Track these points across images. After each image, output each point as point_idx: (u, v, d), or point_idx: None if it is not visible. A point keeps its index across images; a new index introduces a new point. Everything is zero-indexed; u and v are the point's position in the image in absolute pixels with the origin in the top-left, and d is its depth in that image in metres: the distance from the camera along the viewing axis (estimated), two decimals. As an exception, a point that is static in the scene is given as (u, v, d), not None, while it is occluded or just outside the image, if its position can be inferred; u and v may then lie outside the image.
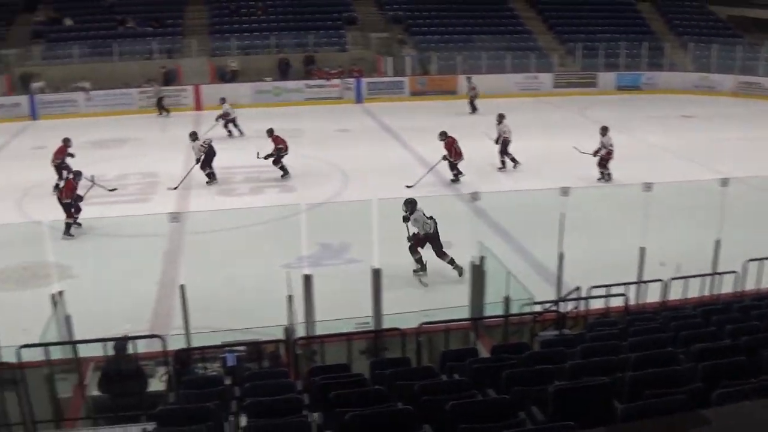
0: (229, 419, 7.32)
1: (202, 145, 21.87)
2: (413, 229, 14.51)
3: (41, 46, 36.67)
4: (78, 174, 18.40)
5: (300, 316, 10.52)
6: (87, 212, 17.82)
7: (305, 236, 12.78)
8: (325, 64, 36.36)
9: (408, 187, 20.25)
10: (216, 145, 21.87)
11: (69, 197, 17.75)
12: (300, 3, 39.87)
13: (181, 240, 16.11)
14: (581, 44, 38.65)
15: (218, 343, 10.08)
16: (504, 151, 22.43)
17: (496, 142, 22.46)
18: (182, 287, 10.41)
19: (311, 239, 15.26)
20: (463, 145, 20.95)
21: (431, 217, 14.59)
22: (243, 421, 7.15)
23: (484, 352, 9.69)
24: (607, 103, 34.68)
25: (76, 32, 37.46)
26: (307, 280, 10.54)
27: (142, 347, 10.05)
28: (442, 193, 20.10)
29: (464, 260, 12.84)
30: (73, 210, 17.76)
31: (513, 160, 22.52)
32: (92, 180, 19.28)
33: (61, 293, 10.82)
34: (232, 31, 37.37)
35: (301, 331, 10.44)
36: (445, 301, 12.29)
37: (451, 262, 14.51)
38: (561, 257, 11.95)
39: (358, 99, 35.06)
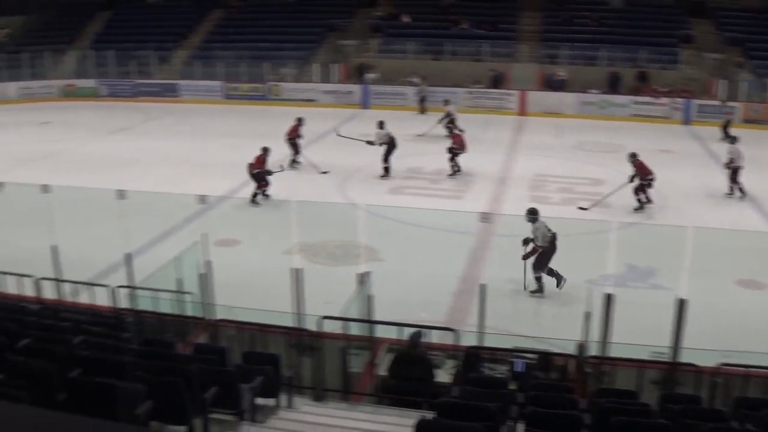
0: (507, 423, 7.20)
1: (386, 134, 22.51)
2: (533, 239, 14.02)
3: (378, 39, 38.64)
4: (267, 150, 20.01)
5: (595, 334, 10.17)
6: (405, 201, 18.52)
7: (613, 255, 12.38)
8: (656, 81, 35.10)
9: (582, 209, 19.23)
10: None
11: (258, 169, 19.56)
12: (634, 17, 38.79)
13: (488, 240, 16.21)
14: None
15: (509, 346, 9.99)
16: (734, 179, 20.62)
17: (726, 167, 20.77)
18: (482, 287, 10.42)
19: (618, 259, 14.78)
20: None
21: (552, 232, 13.94)
22: (521, 428, 7.01)
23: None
24: None
25: (412, 29, 38.98)
26: (609, 299, 10.15)
27: (435, 338, 10.20)
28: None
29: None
30: (262, 182, 19.60)
31: (741, 190, 20.61)
32: (282, 167, 20.91)
33: (367, 274, 11.25)
34: (564, 40, 37.05)
35: (593, 350, 10.10)
36: (749, 343, 11.36)
37: (557, 276, 13.96)
38: None
39: (686, 120, 33.49)
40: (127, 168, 23.85)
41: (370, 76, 35.92)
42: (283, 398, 8.39)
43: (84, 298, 12.37)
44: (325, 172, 22.96)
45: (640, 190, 19.10)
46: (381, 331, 10.26)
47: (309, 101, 35.71)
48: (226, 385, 7.30)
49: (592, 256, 14.94)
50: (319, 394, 9.28)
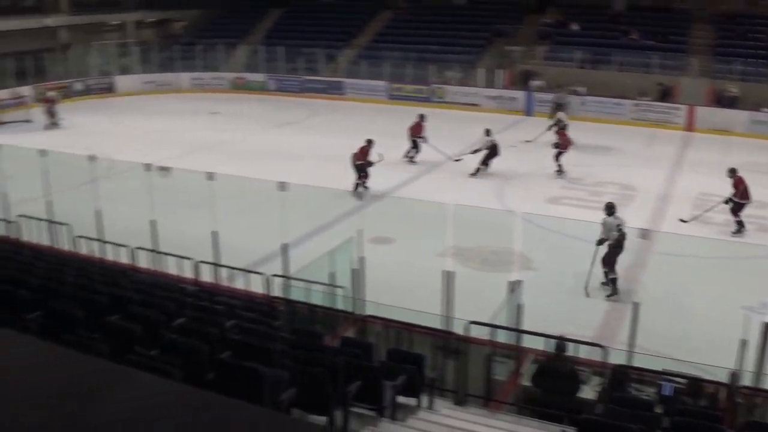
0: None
1: (489, 140, 23.00)
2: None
3: (545, 47, 38.10)
4: (371, 142, 20.70)
5: (750, 364, 9.73)
6: (562, 212, 18.28)
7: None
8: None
9: (683, 222, 18.53)
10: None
11: (361, 160, 20.26)
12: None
13: (645, 257, 15.77)
14: None
15: (658, 368, 9.68)
16: None
17: None
18: (635, 305, 10.17)
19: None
20: None
21: (622, 231, 14.00)
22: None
23: None
24: None
25: (580, 37, 38.26)
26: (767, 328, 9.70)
27: (582, 353, 10.00)
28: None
29: None
30: (362, 173, 20.37)
31: None
32: (381, 157, 21.04)
33: (519, 282, 11.15)
34: (737, 55, 35.54)
35: (747, 380, 9.66)
36: None
37: (612, 281, 14.00)
38: None
39: None
40: (290, 161, 24.50)
41: (535, 83, 35.49)
42: (425, 399, 8.42)
43: (239, 283, 12.81)
44: (458, 160, 23.72)
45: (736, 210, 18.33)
46: (528, 341, 10.15)
47: (472, 105, 35.65)
48: (370, 381, 7.39)
49: (753, 282, 14.28)
50: (461, 398, 9.27)
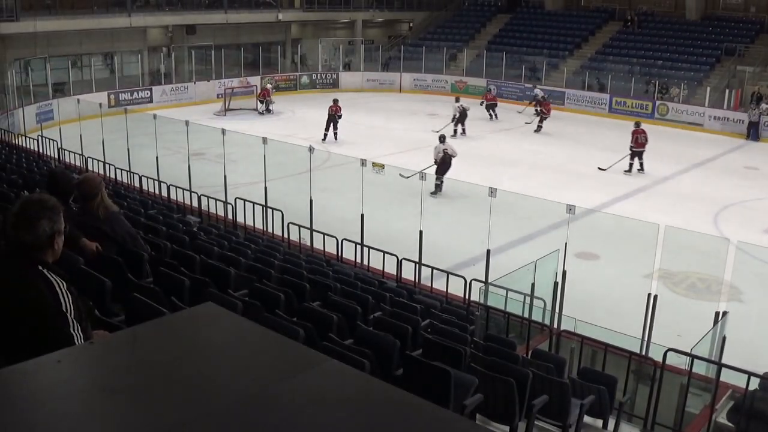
0: None
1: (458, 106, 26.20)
2: None
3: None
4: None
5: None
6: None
7: None
8: None
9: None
10: None
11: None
12: None
13: None
14: None
15: None
16: None
17: None
18: None
19: None
20: None
21: None
22: None
23: None
24: None
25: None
26: None
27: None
28: None
29: None
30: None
31: None
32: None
33: (725, 313, 10.70)
34: None
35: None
36: None
37: None
38: None
39: None
40: (504, 167, 24.58)
41: (765, 106, 33.54)
42: (611, 422, 8.25)
43: (439, 284, 12.98)
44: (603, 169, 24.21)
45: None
46: (727, 376, 9.71)
47: (695, 125, 34.23)
48: (558, 396, 7.33)
49: None
50: (649, 425, 9.01)
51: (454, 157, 21.65)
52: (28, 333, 3.37)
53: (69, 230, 3.96)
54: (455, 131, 29.89)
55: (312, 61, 44.60)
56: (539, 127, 31.88)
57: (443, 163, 21.44)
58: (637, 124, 25.29)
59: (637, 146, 24.56)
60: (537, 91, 35.70)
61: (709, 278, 15.42)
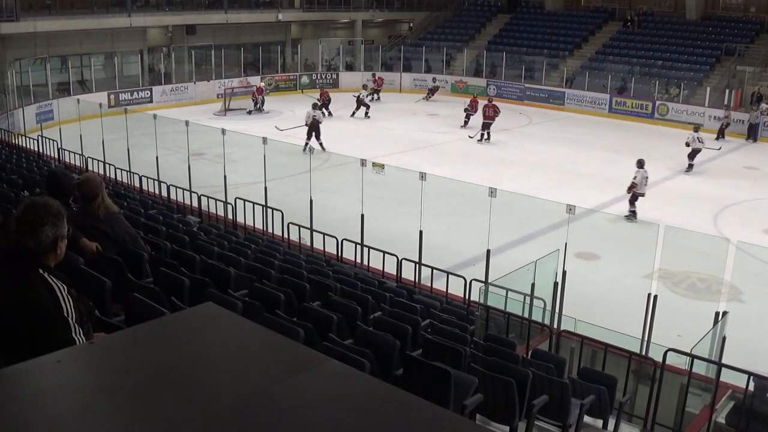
0: None
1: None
2: None
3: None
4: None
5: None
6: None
7: None
8: None
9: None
10: None
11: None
12: None
13: None
14: None
15: None
16: None
17: None
18: None
19: None
20: None
21: None
22: None
23: None
24: None
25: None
26: None
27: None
28: None
29: None
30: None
31: None
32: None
33: (725, 314, 10.70)
34: None
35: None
36: None
37: None
38: None
39: None
40: (502, 167, 24.57)
41: (765, 106, 33.51)
42: (611, 422, 8.25)
43: (439, 284, 12.98)
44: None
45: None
46: (728, 376, 9.71)
47: (695, 125, 34.13)
48: (558, 396, 7.33)
49: None
50: (649, 426, 9.01)
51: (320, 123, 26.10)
52: (28, 337, 3.35)
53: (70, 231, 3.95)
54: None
55: (312, 62, 44.63)
56: (466, 123, 32.00)
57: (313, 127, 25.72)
58: (490, 100, 30.70)
59: (486, 118, 29.19)
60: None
61: (709, 278, 15.43)
